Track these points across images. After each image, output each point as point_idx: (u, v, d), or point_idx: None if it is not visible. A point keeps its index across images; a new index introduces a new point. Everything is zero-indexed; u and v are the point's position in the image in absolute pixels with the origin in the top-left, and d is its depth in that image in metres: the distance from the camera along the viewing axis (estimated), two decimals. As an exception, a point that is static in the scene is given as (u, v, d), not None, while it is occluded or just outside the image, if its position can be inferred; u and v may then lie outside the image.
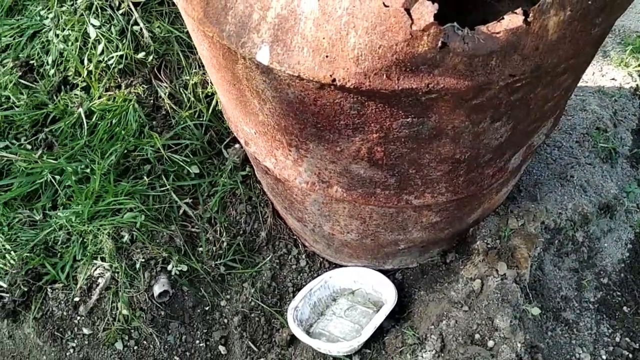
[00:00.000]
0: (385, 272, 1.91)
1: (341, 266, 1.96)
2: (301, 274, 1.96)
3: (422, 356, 1.59)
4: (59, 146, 2.00)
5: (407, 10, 0.98)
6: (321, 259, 2.00)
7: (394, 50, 1.03)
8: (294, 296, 1.91)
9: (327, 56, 1.09)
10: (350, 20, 1.03)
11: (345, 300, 1.91)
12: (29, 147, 2.00)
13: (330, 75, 1.10)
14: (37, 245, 1.77)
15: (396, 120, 1.20)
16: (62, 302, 1.70)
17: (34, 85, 2.08)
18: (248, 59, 1.19)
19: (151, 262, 1.76)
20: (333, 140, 1.32)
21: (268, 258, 1.94)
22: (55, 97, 2.05)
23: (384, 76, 1.07)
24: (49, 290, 1.72)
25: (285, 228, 2.01)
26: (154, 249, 1.76)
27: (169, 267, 1.77)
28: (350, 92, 1.14)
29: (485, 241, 1.74)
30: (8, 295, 1.71)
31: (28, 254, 1.75)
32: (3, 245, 1.81)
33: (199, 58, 2.12)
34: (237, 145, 2.09)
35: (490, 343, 1.54)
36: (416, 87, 1.08)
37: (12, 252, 1.79)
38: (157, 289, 1.71)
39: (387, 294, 1.82)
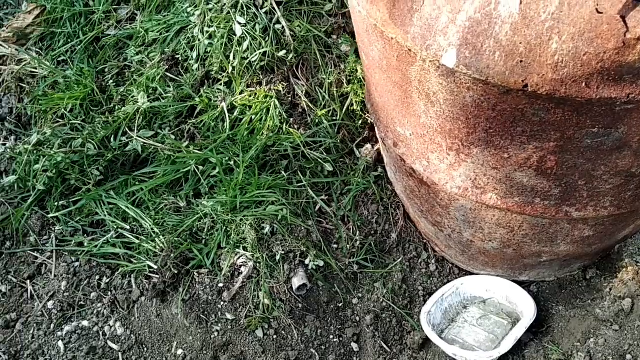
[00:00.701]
0: (519, 284, 1.86)
1: (472, 274, 1.93)
2: (431, 279, 1.95)
3: (568, 373, 1.54)
4: (201, 138, 2.08)
5: (623, 18, 0.95)
6: (451, 265, 1.98)
7: (601, 58, 0.99)
8: (424, 300, 1.90)
9: (521, 61, 1.07)
10: (555, 25, 1.01)
11: (477, 309, 1.88)
12: (172, 137, 2.10)
13: (523, 81, 1.08)
14: (184, 231, 1.86)
15: (581, 130, 1.16)
16: (208, 286, 1.78)
17: (178, 79, 2.19)
18: (429, 61, 1.19)
19: (290, 255, 1.80)
20: (502, 147, 1.30)
21: (399, 260, 1.94)
22: (198, 91, 2.14)
23: (583, 84, 1.04)
24: (195, 274, 1.80)
25: (415, 231, 2.00)
26: (293, 242, 1.81)
27: (307, 261, 1.81)
28: (538, 99, 1.11)
29: (635, 259, 1.65)
30: (158, 276, 1.81)
31: (176, 239, 1.84)
32: (152, 229, 1.91)
33: (336, 58, 2.15)
34: (368, 146, 2.10)
35: (646, 367, 1.47)
36: (615, 97, 1.04)
37: (160, 236, 1.89)
38: (296, 282, 1.75)
39: (525, 306, 1.77)
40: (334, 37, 2.17)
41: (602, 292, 1.69)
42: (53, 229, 2.05)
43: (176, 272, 1.79)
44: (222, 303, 1.76)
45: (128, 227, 1.97)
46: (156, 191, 2.05)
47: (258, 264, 1.77)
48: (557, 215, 1.46)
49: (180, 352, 1.75)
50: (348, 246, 1.88)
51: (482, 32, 1.09)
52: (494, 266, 1.85)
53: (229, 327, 1.74)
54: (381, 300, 1.87)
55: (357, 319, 1.85)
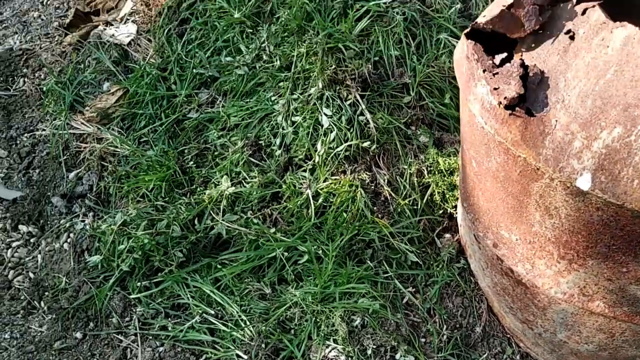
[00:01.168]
0: (609, 384, 1.84)
1: (559, 371, 1.92)
2: (517, 375, 1.94)
3: None
4: (284, 223, 2.13)
5: None
6: (535, 361, 1.97)
7: None
8: (512, 398, 1.88)
9: (661, 191, 1.11)
10: (702, 161, 1.05)
11: (566, 409, 1.85)
12: (255, 221, 2.15)
13: (662, 209, 1.12)
14: (271, 320, 1.88)
15: None
16: (299, 378, 1.78)
17: (261, 164, 2.26)
18: (559, 181, 1.24)
19: (381, 349, 1.80)
20: (622, 262, 1.33)
21: (484, 355, 1.93)
22: (282, 176, 2.20)
23: None
24: (286, 366, 1.81)
25: (499, 325, 2.01)
26: (383, 336, 1.81)
27: (397, 356, 1.81)
28: (675, 225, 1.15)
29: None
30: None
31: (265, 328, 1.86)
32: (239, 316, 1.93)
33: (416, 148, 2.22)
34: (448, 235, 2.14)
35: None
36: None
37: (248, 324, 1.90)
38: (388, 378, 1.75)
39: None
40: (413, 128, 2.24)
41: (701, 399, 1.67)
42: (134, 311, 2.08)
43: (267, 363, 1.79)
44: (313, 395, 1.76)
45: (213, 312, 1.99)
46: (239, 275, 2.08)
47: (350, 358, 1.78)
48: (667, 325, 1.47)
49: None
50: (436, 340, 1.88)
51: (619, 159, 1.14)
52: (585, 367, 1.84)
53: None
54: (470, 398, 1.86)
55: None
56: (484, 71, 1.26)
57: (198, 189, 2.29)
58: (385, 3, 2.26)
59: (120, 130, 2.54)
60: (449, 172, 2.12)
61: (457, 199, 2.14)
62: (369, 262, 1.99)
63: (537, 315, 1.73)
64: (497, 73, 1.24)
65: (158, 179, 2.30)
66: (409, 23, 2.27)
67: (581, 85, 1.18)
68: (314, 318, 1.86)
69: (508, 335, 1.99)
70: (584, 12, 1.18)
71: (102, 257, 2.15)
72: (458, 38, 2.34)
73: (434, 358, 1.87)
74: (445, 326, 1.92)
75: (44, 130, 2.60)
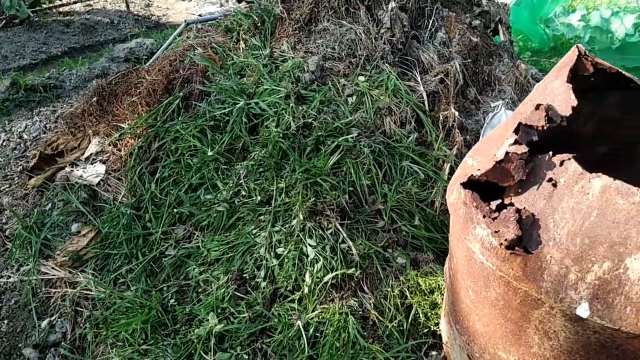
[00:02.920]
0: None
1: None
2: None
3: None
4: (276, 357, 2.15)
5: None
6: None
7: None
8: None
9: (651, 314, 1.29)
10: (682, 289, 1.24)
11: None
12: (245, 357, 2.15)
13: (654, 331, 1.29)
14: None
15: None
16: None
17: (246, 297, 2.29)
18: (559, 309, 1.40)
19: None
20: (619, 377, 1.47)
21: None
22: (269, 309, 2.24)
23: None
24: None
25: None
26: None
27: None
28: (664, 343, 1.32)
29: None
30: None
31: None
32: None
33: (395, 270, 2.35)
34: (434, 353, 2.23)
35: None
36: None
37: None
38: None
39: None
40: (390, 250, 2.39)
41: None
42: None
43: None
44: None
45: None
46: None
47: None
48: None
49: None
50: None
51: (612, 289, 1.31)
52: None
53: None
54: None
55: None
56: (483, 216, 1.43)
57: (182, 328, 2.27)
58: (352, 138, 2.47)
59: (93, 272, 2.50)
60: (429, 291, 2.25)
61: (439, 316, 2.26)
62: (367, 391, 2.03)
63: None
64: (495, 218, 1.42)
65: (140, 321, 2.27)
66: (375, 154, 2.48)
67: (569, 226, 1.37)
68: None
69: None
70: (561, 164, 1.40)
71: (88, 412, 2.05)
72: (418, 164, 2.58)
73: None
74: None
75: (9, 277, 2.52)
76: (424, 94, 2.77)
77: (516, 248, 1.40)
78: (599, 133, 1.90)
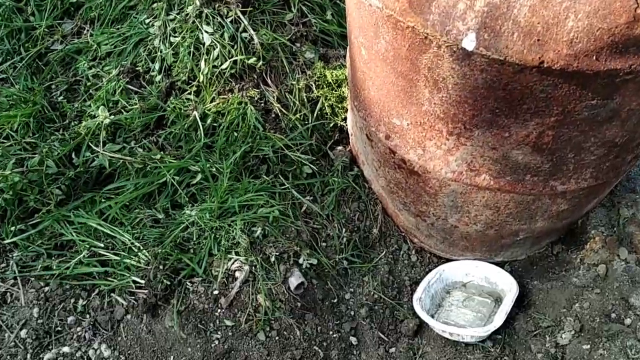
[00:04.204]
0: (495, 265, 1.99)
1: (451, 260, 2.04)
2: (414, 268, 2.03)
3: (561, 337, 1.67)
4: (172, 149, 2.03)
5: (632, -5, 1.10)
6: (430, 254, 2.07)
7: (612, 32, 1.14)
8: (411, 289, 1.97)
9: (538, 40, 1.20)
10: (571, 5, 1.14)
11: (460, 292, 1.98)
12: (140, 150, 2.03)
13: (539, 58, 1.21)
14: (169, 243, 1.79)
15: (581, 103, 1.31)
16: (203, 295, 1.72)
17: (141, 91, 2.12)
18: (446, 46, 1.29)
19: (284, 255, 1.79)
20: (505, 126, 1.42)
21: (382, 254, 2.00)
22: (165, 102, 2.09)
23: (594, 57, 1.18)
24: (188, 284, 1.74)
25: (394, 225, 2.08)
26: (285, 243, 1.81)
27: (300, 261, 1.81)
28: (550, 75, 1.24)
29: (600, 230, 1.85)
30: (147, 290, 1.72)
31: (162, 250, 1.77)
32: (132, 243, 1.82)
33: (303, 64, 2.21)
34: (339, 147, 2.17)
35: (628, 321, 1.64)
36: (619, 68, 1.20)
37: (142, 250, 1.80)
38: (293, 281, 1.75)
39: (505, 283, 1.90)
40: (298, 44, 2.23)
41: (573, 263, 1.86)
42: (11, 256, 1.88)
43: (168, 283, 1.71)
44: (219, 310, 1.71)
45: (102, 245, 1.86)
46: (127, 207, 1.96)
47: (254, 267, 1.75)
48: (544, 189, 1.61)
49: (180, 366, 1.67)
50: (336, 243, 1.91)
51: (500, 15, 1.20)
52: (473, 250, 1.97)
53: (230, 333, 1.69)
54: (372, 293, 1.91)
55: (352, 313, 1.87)
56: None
57: (72, 124, 2.11)
58: None
59: (-29, 69, 2.25)
60: (336, 84, 2.14)
61: (347, 110, 2.17)
62: (264, 176, 1.96)
63: (429, 204, 1.82)
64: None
65: (23, 115, 2.08)
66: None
67: (460, -54, 1.23)
68: (213, 234, 1.80)
69: (403, 233, 2.08)
70: None
71: (-35, 202, 1.92)
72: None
73: (335, 259, 1.90)
74: (344, 229, 1.96)
75: None
76: None
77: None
78: None
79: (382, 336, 1.86)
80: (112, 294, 1.78)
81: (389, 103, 1.61)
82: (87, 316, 1.76)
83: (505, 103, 1.36)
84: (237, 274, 1.75)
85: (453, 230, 1.88)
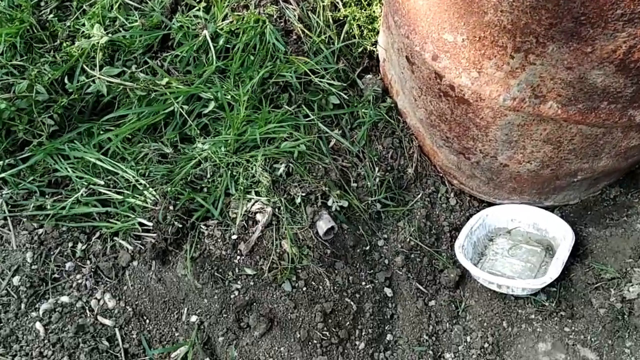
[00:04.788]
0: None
1: (494, 204, 1.82)
2: (453, 213, 1.81)
3: (628, 290, 1.47)
4: (180, 74, 1.78)
5: None
6: (469, 197, 1.85)
7: None
8: (450, 236, 1.76)
9: None
10: None
11: (504, 240, 1.77)
12: (142, 75, 1.77)
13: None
14: (177, 180, 1.56)
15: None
16: (220, 240, 1.50)
17: (141, 7, 1.85)
18: None
19: (311, 197, 1.57)
20: (588, 38, 1.16)
21: (418, 196, 1.78)
22: (170, 20, 1.82)
23: None
24: (202, 227, 1.52)
25: (430, 165, 1.85)
26: (312, 182, 1.58)
27: (329, 203, 1.59)
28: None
29: (667, 171, 1.62)
30: (155, 234, 1.50)
31: (171, 189, 1.55)
32: (137, 181, 1.59)
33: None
34: (369, 76, 1.91)
35: None
36: None
37: (149, 188, 1.58)
38: (323, 225, 1.53)
39: (558, 230, 1.68)
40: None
41: (635, 208, 1.64)
42: (0, 194, 1.66)
43: (180, 225, 1.50)
44: (239, 257, 1.50)
45: (102, 183, 1.63)
46: (129, 140, 1.72)
47: (277, 209, 1.53)
48: (620, 120, 1.36)
49: (194, 318, 1.47)
50: (369, 184, 1.69)
51: None
52: (522, 193, 1.75)
53: (251, 283, 1.49)
54: (408, 239, 1.71)
55: (386, 261, 1.67)
56: None
57: (64, 45, 1.84)
58: None
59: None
60: (366, 1, 1.86)
61: (377, 33, 1.90)
62: (286, 106, 1.71)
63: (477, 138, 1.58)
64: None
65: (9, 35, 1.81)
66: None
67: None
68: (229, 172, 1.57)
69: (441, 174, 1.85)
70: None
71: (-55, 133, 1.68)
72: None
73: (367, 201, 1.68)
74: (377, 169, 1.72)
75: None
76: None
77: None
78: None
79: (421, 287, 1.66)
80: (115, 238, 1.57)
81: (441, 14, 1.34)
82: (88, 262, 1.55)
83: (593, 8, 1.10)
84: (258, 216, 1.53)
85: (501, 169, 1.65)
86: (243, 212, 1.53)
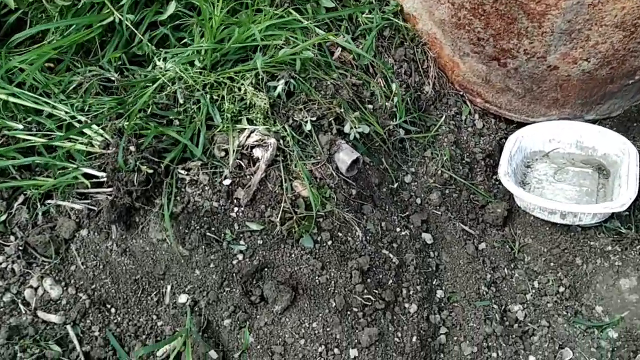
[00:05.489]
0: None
1: (525, 124, 1.50)
2: (482, 137, 1.48)
3: None
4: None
5: None
6: (495, 119, 1.52)
7: None
8: (485, 164, 1.42)
9: None
10: None
11: (545, 165, 1.46)
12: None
13: None
14: (134, 112, 1.10)
15: None
16: (208, 187, 1.07)
17: None
18: None
19: (323, 122, 1.17)
20: None
21: (442, 119, 1.42)
22: None
23: None
24: (180, 172, 1.08)
25: (447, 82, 1.50)
26: (323, 103, 1.17)
27: (346, 129, 1.20)
28: None
29: None
30: (111, 188, 1.04)
31: (128, 124, 1.09)
32: (73, 117, 1.12)
33: None
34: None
35: None
36: None
37: (94, 126, 1.11)
38: (345, 158, 1.14)
39: (611, 145, 1.40)
40: None
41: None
42: None
43: (149, 171, 1.05)
44: (236, 209, 1.08)
45: (20, 127, 1.14)
46: (51, 68, 1.24)
47: (282, 140, 1.12)
48: None
49: (183, 298, 1.05)
50: (387, 105, 1.31)
51: None
52: (563, 105, 1.44)
53: (259, 242, 1.08)
54: (440, 172, 1.35)
55: (419, 201, 1.31)
56: None
57: None
58: None
59: None
60: None
61: None
62: (269, 9, 1.28)
63: (525, 33, 1.24)
64: None
65: None
66: None
67: None
68: (208, 95, 1.13)
69: (461, 92, 1.50)
70: None
71: None
72: None
73: (389, 127, 1.30)
74: (393, 86, 1.34)
75: None
76: None
77: None
78: None
79: (466, 228, 1.31)
80: (48, 201, 1.09)
81: None
82: (12, 238, 1.07)
83: None
84: (257, 151, 1.11)
85: (547, 75, 1.33)
86: (235, 147, 1.10)
